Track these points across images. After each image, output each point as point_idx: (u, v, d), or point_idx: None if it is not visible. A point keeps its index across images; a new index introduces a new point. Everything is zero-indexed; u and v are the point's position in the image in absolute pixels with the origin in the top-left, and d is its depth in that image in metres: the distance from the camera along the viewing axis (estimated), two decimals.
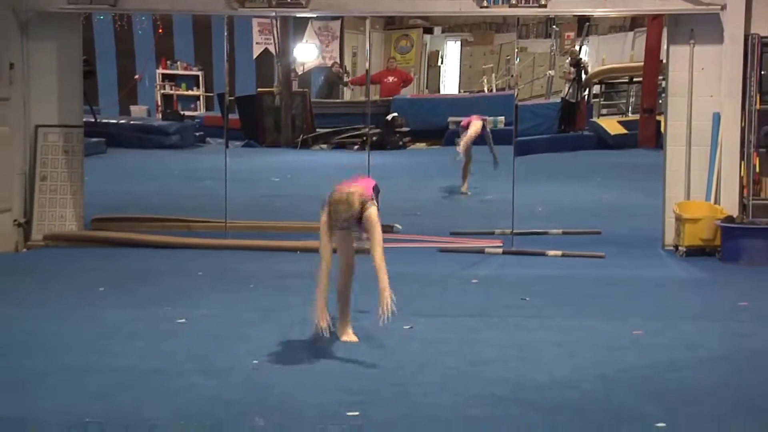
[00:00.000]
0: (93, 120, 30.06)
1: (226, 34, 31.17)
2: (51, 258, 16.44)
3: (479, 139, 24.14)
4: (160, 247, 17.17)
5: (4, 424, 8.69)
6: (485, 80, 38.56)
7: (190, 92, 37.50)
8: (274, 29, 35.18)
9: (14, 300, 13.34)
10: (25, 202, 17.46)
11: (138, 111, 37.31)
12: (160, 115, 36.53)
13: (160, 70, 37.88)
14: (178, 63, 38.16)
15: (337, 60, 38.45)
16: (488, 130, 24.58)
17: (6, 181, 17.05)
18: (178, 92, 37.32)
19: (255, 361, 10.52)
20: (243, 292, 13.87)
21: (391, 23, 38.63)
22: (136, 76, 39.28)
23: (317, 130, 33.92)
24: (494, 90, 37.22)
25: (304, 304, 12.97)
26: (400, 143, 32.87)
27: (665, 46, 18.26)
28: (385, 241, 17.48)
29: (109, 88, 36.44)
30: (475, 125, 24.22)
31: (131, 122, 35.24)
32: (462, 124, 25.09)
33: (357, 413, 8.86)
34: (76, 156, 18.22)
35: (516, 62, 33.21)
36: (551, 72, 37.60)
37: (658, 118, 27.37)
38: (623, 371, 10.14)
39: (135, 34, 37.76)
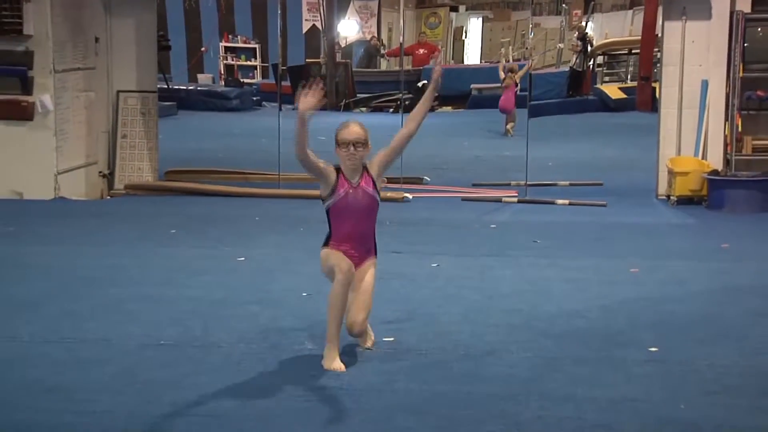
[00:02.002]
0: (166, 86, 30.11)
1: (279, 12, 31.14)
2: (130, 204, 16.48)
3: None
4: (223, 195, 17.18)
5: (93, 344, 8.83)
6: (503, 52, 38.38)
7: (248, 62, 37.47)
8: (321, 7, 35.08)
9: (100, 239, 13.42)
10: (108, 156, 17.50)
11: (204, 78, 37.33)
12: (223, 83, 36.53)
13: (223, 43, 37.87)
14: (239, 37, 38.13)
15: (375, 35, 38.39)
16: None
17: (93, 138, 17.11)
18: (238, 62, 37.31)
19: (304, 294, 10.58)
20: (294, 235, 13.90)
21: (422, 2, 38.58)
22: (203, 48, 39.36)
23: (358, 95, 33.90)
24: (511, 60, 37.02)
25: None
26: (430, 105, 32.65)
27: (660, 22, 18.24)
28: (414, 191, 17.65)
29: (180, 58, 36.47)
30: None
31: (198, 88, 35.29)
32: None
33: (392, 339, 8.97)
34: (151, 117, 18.24)
35: (530, 36, 33.13)
36: (561, 45, 37.46)
37: (653, 84, 27.20)
38: (622, 303, 10.19)
39: (201, 11, 37.69)
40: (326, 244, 8.51)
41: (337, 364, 8.23)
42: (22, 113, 15.94)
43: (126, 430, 6.86)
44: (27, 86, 16.00)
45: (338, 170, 8.34)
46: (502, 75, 28.25)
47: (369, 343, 8.84)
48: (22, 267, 11.60)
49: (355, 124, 8.51)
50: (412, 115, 8.89)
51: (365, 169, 8.44)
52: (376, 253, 8.68)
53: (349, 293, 8.33)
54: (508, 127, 26.34)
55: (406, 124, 8.81)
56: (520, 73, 28.47)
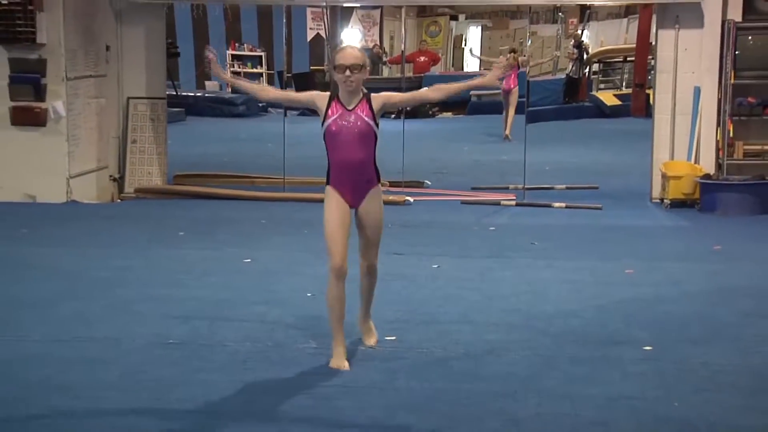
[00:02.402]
0: (174, 93, 30.08)
1: (284, 20, 30.98)
2: (140, 207, 16.46)
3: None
4: (230, 199, 17.13)
5: (103, 343, 8.82)
6: (502, 59, 38.44)
7: (254, 70, 37.38)
8: (325, 17, 35.02)
9: (110, 241, 13.41)
10: (119, 160, 17.47)
11: (211, 85, 37.26)
12: (230, 89, 36.44)
13: (230, 51, 37.82)
14: (245, 45, 38.10)
15: (377, 42, 38.33)
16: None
17: (104, 143, 17.10)
18: (244, 70, 37.21)
19: (309, 294, 10.54)
20: (299, 237, 13.82)
21: (423, 11, 38.52)
22: (210, 56, 39.28)
23: None
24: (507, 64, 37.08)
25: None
26: (430, 113, 32.86)
27: (654, 30, 18.19)
28: (415, 195, 17.63)
29: (188, 66, 36.38)
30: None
31: (206, 95, 35.30)
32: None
33: (393, 337, 8.96)
34: (160, 123, 18.21)
35: (528, 44, 33.10)
36: (557, 52, 37.45)
37: (647, 91, 27.21)
38: (617, 303, 10.17)
39: (209, 20, 37.68)
40: (327, 179, 8.28)
41: (341, 362, 8.04)
42: (36, 119, 15.93)
43: (134, 427, 6.85)
44: (40, 93, 15.96)
45: (334, 96, 8.12)
46: (502, 59, 28.09)
47: (372, 341, 8.65)
48: (33, 268, 11.59)
49: (351, 48, 8.28)
50: (443, 87, 8.62)
51: (366, 97, 8.15)
52: (378, 180, 8.37)
53: (358, 232, 8.41)
54: (507, 128, 26.27)
55: (433, 90, 8.75)
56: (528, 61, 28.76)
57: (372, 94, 8.18)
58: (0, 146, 16.12)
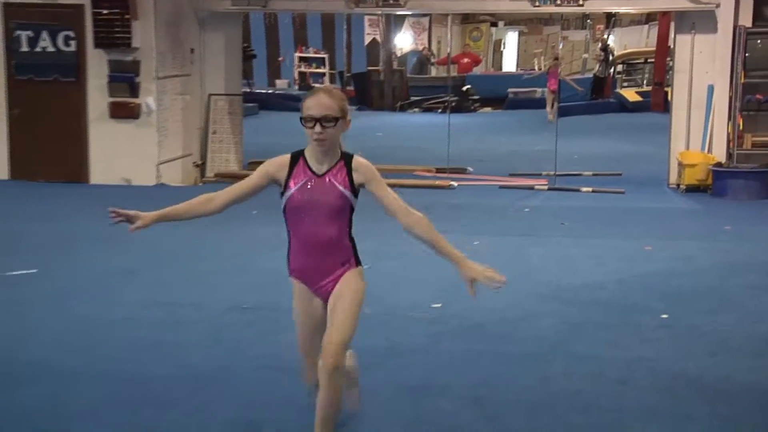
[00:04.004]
0: (249, 90, 30.10)
1: (345, 27, 31.04)
2: (218, 189, 16.40)
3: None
4: None
5: (187, 308, 8.92)
6: (536, 61, 38.31)
7: (318, 70, 37.38)
8: (380, 23, 35.08)
9: (193, 219, 13.35)
10: (201, 149, 17.52)
11: (281, 84, 37.41)
12: (297, 87, 36.48)
13: (297, 54, 37.86)
14: (311, 48, 38.12)
15: (426, 46, 38.27)
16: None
17: (188, 134, 17.17)
18: (310, 70, 37.23)
19: (366, 266, 10.51)
20: (359, 218, 13.72)
21: (466, 18, 38.35)
22: (280, 58, 39.43)
23: (411, 97, 33.80)
24: (542, 68, 36.95)
25: (398, 225, 12.99)
26: (472, 108, 32.78)
27: (672, 35, 18.06)
28: (459, 179, 17.54)
29: (261, 66, 36.47)
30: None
31: (276, 92, 35.36)
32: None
33: (439, 305, 8.96)
34: (237, 116, 18.27)
35: (560, 47, 32.95)
36: (586, 55, 37.34)
37: (666, 89, 26.97)
38: (637, 276, 10.12)
39: (280, 26, 37.71)
40: (288, 266, 5.66)
41: None
42: (130, 113, 16.15)
43: (215, 379, 6.91)
44: (134, 90, 16.18)
45: (299, 156, 5.45)
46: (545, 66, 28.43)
47: (354, 399, 6.13)
48: (125, 242, 11.62)
49: (324, 94, 5.37)
50: (426, 231, 5.67)
51: (345, 160, 5.43)
52: (358, 262, 5.64)
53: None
54: (552, 115, 26.23)
55: (416, 224, 5.62)
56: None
57: (356, 160, 5.43)
58: (100, 136, 16.42)
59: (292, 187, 5.29)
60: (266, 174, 5.43)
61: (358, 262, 5.57)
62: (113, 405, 6.36)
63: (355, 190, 5.36)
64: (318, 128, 5.17)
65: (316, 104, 5.21)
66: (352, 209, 5.44)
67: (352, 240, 5.55)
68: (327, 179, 5.28)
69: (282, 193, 5.38)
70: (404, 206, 5.40)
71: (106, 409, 6.29)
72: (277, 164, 5.41)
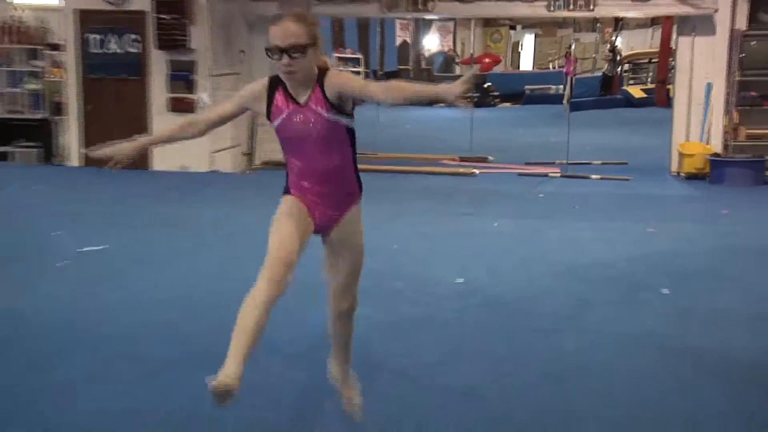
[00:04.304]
0: None
1: (378, 30, 30.90)
2: (264, 175, 16.40)
3: None
4: None
5: (237, 283, 8.69)
6: (550, 61, 38.35)
7: (354, 69, 37.27)
8: (410, 26, 35.13)
9: (239, 203, 13.41)
10: (249, 140, 17.49)
11: None
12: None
13: (335, 54, 37.81)
14: (347, 49, 38.08)
15: (451, 47, 38.34)
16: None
17: (238, 126, 17.12)
18: (350, 68, 37.23)
19: (395, 246, 10.48)
20: (386, 198, 13.57)
21: (488, 22, 38.37)
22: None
23: None
24: (556, 67, 36.99)
25: (425, 208, 12.96)
26: (492, 103, 32.78)
27: (675, 37, 17.92)
28: (481, 167, 17.48)
29: None
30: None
31: None
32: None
33: (462, 280, 8.90)
34: None
35: (572, 48, 32.78)
36: (595, 55, 37.29)
37: (668, 86, 26.85)
38: (643, 256, 10.06)
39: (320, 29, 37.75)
40: (286, 187, 4.88)
41: (227, 378, 4.11)
42: (187, 107, 16.18)
43: (288, 353, 6.73)
44: (191, 87, 16.37)
45: (277, 83, 4.56)
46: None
47: (354, 395, 5.33)
48: (179, 225, 11.62)
49: (290, 19, 4.45)
50: (403, 87, 4.48)
51: (320, 83, 4.50)
52: (360, 194, 4.99)
53: (330, 266, 5.11)
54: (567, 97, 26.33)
55: (392, 91, 4.47)
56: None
57: (325, 81, 4.49)
58: (161, 128, 16.25)
59: (277, 118, 4.49)
60: (241, 104, 4.69)
61: (361, 192, 4.90)
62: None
63: (338, 108, 4.44)
64: (285, 59, 4.27)
65: (281, 32, 4.30)
66: (350, 132, 4.57)
67: (356, 172, 4.75)
68: (311, 107, 4.43)
69: (268, 118, 4.59)
70: (383, 86, 4.37)
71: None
72: (252, 94, 4.59)
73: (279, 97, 4.45)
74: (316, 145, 4.48)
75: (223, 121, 4.76)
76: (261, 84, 4.51)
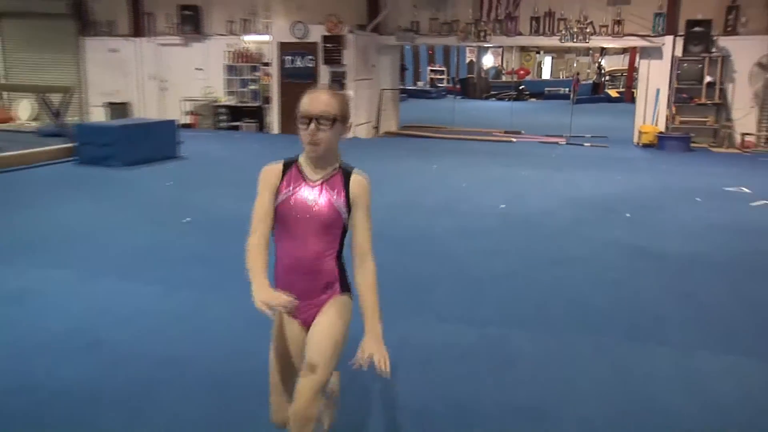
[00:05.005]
0: (402, 86, 29.99)
1: (456, 52, 30.39)
2: (387, 141, 16.44)
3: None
4: (428, 137, 17.07)
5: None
6: (561, 73, 37.61)
7: (441, 76, 37.02)
8: (475, 51, 34.66)
9: (371, 157, 13.30)
10: (376, 118, 17.59)
11: (420, 84, 37.07)
12: (429, 85, 36.23)
13: (429, 67, 37.49)
14: (436, 64, 37.73)
15: (500, 63, 37.68)
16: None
17: (370, 110, 17.19)
18: (436, 76, 36.90)
19: (463, 184, 10.43)
20: (459, 156, 13.64)
21: (522, 49, 37.48)
22: (406, 69, 39.08)
23: (491, 92, 33.42)
24: (564, 77, 36.23)
25: (482, 161, 12.92)
26: (525, 98, 32.21)
27: (638, 60, 17.60)
28: (517, 137, 17.49)
29: (408, 74, 36.23)
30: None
31: (417, 87, 35.10)
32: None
33: (503, 206, 8.83)
34: (395, 101, 18.29)
35: (575, 66, 32.17)
36: (588, 70, 36.48)
37: (632, 90, 26.30)
38: (613, 192, 9.95)
39: (420, 51, 37.36)
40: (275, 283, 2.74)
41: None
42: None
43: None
44: (342, 87, 16.07)
45: (292, 164, 2.76)
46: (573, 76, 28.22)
47: (328, 419, 3.15)
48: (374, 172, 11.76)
49: (324, 92, 2.73)
50: (365, 287, 2.64)
51: (344, 173, 2.74)
52: (344, 287, 2.79)
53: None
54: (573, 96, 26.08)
55: (362, 274, 2.64)
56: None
57: (355, 176, 2.73)
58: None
59: (281, 194, 2.68)
60: (270, 185, 2.69)
61: (344, 289, 2.78)
62: None
63: (349, 206, 2.70)
64: (312, 127, 2.63)
65: (313, 101, 2.68)
66: (344, 229, 2.73)
67: (340, 263, 2.78)
68: (321, 188, 2.69)
69: (276, 195, 2.70)
70: (367, 250, 2.68)
71: None
72: (271, 173, 2.72)
73: (290, 175, 2.70)
74: (308, 226, 2.66)
75: (271, 219, 2.70)
76: (277, 164, 2.74)
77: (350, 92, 16.17)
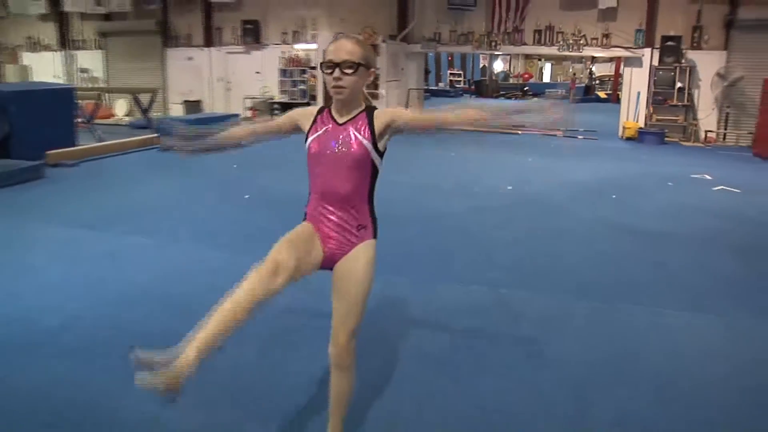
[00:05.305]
0: (426, 87, 29.72)
1: (471, 58, 30.02)
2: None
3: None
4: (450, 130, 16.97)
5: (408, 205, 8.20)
6: (559, 77, 37.02)
7: (459, 79, 36.58)
8: (487, 58, 34.19)
9: (399, 146, 13.28)
10: (405, 106, 17.49)
11: (441, 85, 36.69)
12: (449, 87, 35.88)
13: (449, 71, 37.08)
14: (456, 68, 37.30)
15: (508, 68, 37.18)
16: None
17: (400, 104, 17.06)
18: (455, 78, 36.50)
19: (477, 169, 10.45)
20: (473, 146, 13.30)
21: (527, 56, 36.92)
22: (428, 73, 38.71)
23: (500, 91, 33.04)
24: (561, 81, 35.67)
25: (493, 150, 12.79)
26: (528, 97, 31.71)
27: (623, 67, 17.25)
28: (522, 130, 17.32)
29: (431, 76, 35.85)
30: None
31: (438, 88, 34.76)
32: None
33: (510, 187, 8.80)
34: (421, 100, 18.05)
35: (570, 71, 31.61)
36: (581, 75, 35.88)
37: (618, 92, 25.76)
38: (603, 178, 9.79)
39: (442, 58, 36.95)
40: (304, 216, 2.51)
41: (169, 379, 1.95)
42: (374, 97, 15.76)
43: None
44: (376, 87, 15.90)
45: (324, 108, 2.52)
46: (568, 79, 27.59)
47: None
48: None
49: (348, 40, 2.40)
50: (469, 116, 2.48)
51: (368, 112, 2.44)
52: (375, 233, 2.48)
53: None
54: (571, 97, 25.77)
55: (458, 116, 2.45)
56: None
57: (377, 110, 2.46)
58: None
59: (314, 132, 2.44)
60: (291, 118, 2.54)
61: (374, 233, 2.47)
62: None
63: (376, 142, 2.40)
64: (337, 73, 2.34)
65: (337, 48, 2.38)
66: (374, 169, 2.43)
67: (371, 206, 2.48)
68: (347, 128, 2.42)
69: (305, 140, 2.48)
70: (439, 116, 2.43)
71: None
72: (303, 112, 2.53)
73: (321, 117, 2.47)
74: (342, 166, 2.39)
75: (266, 133, 2.58)
76: (313, 108, 2.53)
77: (382, 91, 16.11)
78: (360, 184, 2.42)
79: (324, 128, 2.43)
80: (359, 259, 2.40)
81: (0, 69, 17.62)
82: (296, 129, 2.51)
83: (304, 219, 2.48)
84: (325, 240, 2.43)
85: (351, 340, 2.40)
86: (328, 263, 2.44)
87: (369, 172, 2.43)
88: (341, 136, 2.40)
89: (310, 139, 2.43)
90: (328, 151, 2.40)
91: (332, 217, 2.43)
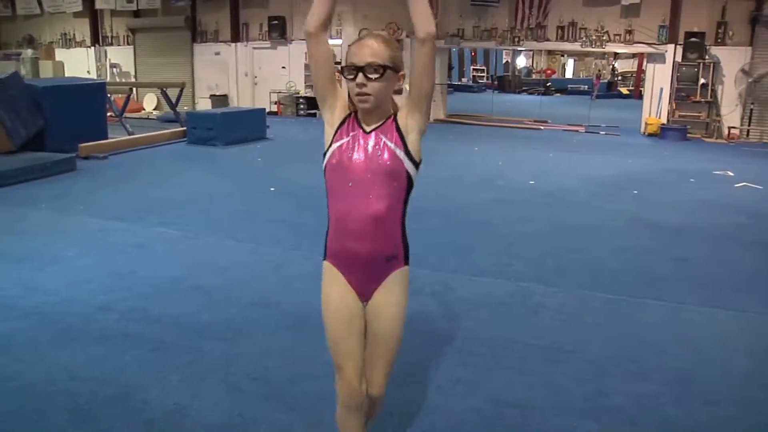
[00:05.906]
0: (450, 82, 29.56)
1: (494, 54, 29.83)
2: (436, 127, 16.03)
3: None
4: (472, 124, 16.91)
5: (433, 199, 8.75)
6: (581, 73, 36.61)
7: (482, 74, 36.37)
8: (510, 53, 33.95)
9: (424, 140, 13.32)
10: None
11: (464, 80, 36.48)
12: (472, 81, 35.66)
13: (472, 66, 36.85)
14: (479, 64, 37.07)
15: (531, 64, 36.88)
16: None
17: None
18: (478, 74, 36.27)
19: (499, 162, 10.36)
20: (498, 140, 13.46)
21: (550, 52, 36.55)
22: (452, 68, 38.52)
23: (523, 87, 32.77)
24: (584, 76, 35.26)
25: (515, 144, 12.72)
26: (551, 93, 31.48)
27: (645, 63, 17.07)
28: (544, 125, 17.19)
29: (455, 72, 35.68)
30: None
31: (462, 83, 34.55)
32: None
33: (533, 182, 8.70)
34: (444, 94, 17.94)
35: (593, 67, 31.27)
36: (604, 71, 35.48)
37: (640, 88, 25.39)
38: (623, 173, 9.72)
39: (465, 53, 36.76)
40: (324, 249, 2.03)
41: None
42: (399, 91, 15.78)
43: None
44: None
45: (352, 113, 2.01)
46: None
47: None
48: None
49: (372, 39, 1.94)
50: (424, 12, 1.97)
51: (395, 116, 2.01)
52: (407, 258, 2.02)
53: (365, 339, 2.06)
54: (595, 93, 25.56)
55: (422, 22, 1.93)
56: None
57: (399, 112, 2.02)
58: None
59: (339, 139, 2.00)
60: (336, 95, 2.07)
61: (406, 260, 2.06)
62: None
63: (409, 147, 2.01)
64: (360, 78, 1.95)
65: (360, 49, 1.98)
66: (409, 182, 2.01)
67: (404, 230, 2.04)
68: (378, 135, 2.00)
69: (328, 144, 2.01)
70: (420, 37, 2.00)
71: None
72: (343, 101, 2.08)
73: (349, 121, 2.04)
74: (372, 180, 1.96)
75: (323, 78, 2.06)
76: (348, 103, 2.09)
77: (406, 86, 16.03)
78: (393, 203, 1.96)
79: (351, 134, 1.99)
80: (392, 290, 2.01)
81: (35, 65, 17.93)
82: (327, 97, 2.01)
83: (324, 257, 2.04)
84: (353, 282, 2.02)
85: (387, 382, 2.04)
86: (363, 300, 2.07)
87: (404, 186, 1.98)
88: (371, 145, 1.96)
89: (333, 147, 1.97)
90: (355, 164, 1.94)
91: (360, 252, 1.96)
